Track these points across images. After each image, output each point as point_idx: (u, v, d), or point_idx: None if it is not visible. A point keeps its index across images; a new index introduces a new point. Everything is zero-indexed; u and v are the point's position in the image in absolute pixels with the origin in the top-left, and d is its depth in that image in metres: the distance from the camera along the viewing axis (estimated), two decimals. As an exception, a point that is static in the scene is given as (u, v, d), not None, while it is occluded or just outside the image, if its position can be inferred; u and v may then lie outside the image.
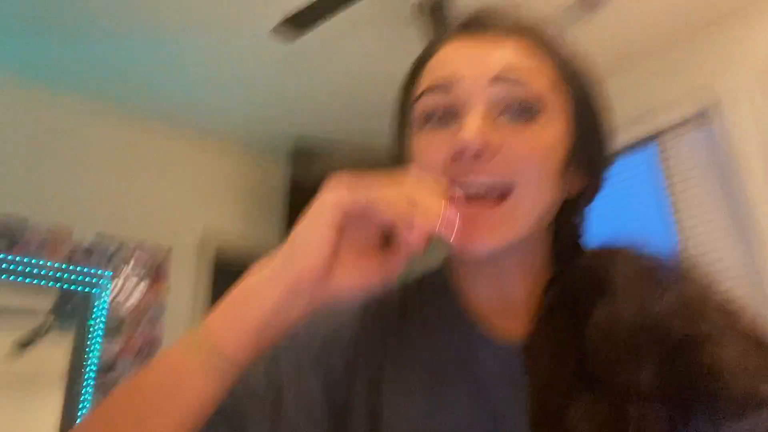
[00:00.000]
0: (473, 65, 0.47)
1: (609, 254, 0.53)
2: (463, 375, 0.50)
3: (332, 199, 0.42)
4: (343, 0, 1.92)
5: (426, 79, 0.50)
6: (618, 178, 2.50)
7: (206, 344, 0.42)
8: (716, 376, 0.39)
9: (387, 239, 0.45)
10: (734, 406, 0.39)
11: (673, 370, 0.41)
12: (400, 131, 0.56)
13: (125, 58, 2.44)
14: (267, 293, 0.42)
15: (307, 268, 0.42)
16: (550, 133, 0.48)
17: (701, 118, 2.36)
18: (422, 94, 0.49)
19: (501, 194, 0.46)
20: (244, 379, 0.50)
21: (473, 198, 0.46)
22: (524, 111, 0.47)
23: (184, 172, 2.99)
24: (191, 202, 2.96)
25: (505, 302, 0.53)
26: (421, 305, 0.58)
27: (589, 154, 0.52)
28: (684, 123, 2.41)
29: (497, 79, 0.46)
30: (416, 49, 0.58)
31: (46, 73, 2.51)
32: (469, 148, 0.44)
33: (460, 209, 0.43)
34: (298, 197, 2.99)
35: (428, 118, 0.49)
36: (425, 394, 0.50)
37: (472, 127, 0.44)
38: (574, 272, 0.52)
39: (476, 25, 0.51)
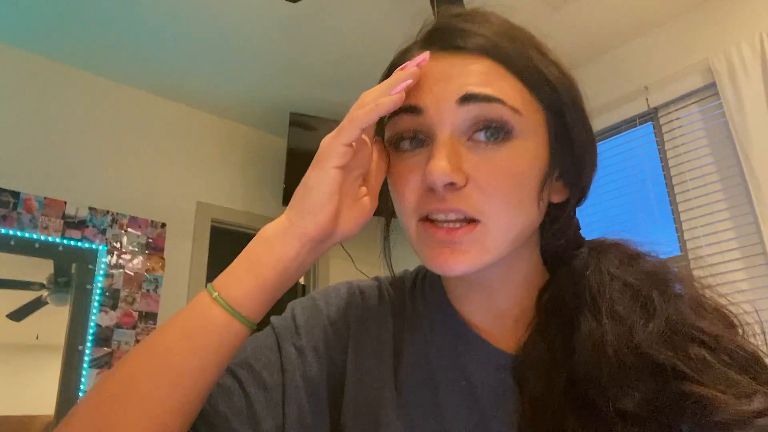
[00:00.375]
0: (440, 88, 0.47)
1: (600, 255, 0.53)
2: (456, 380, 0.51)
3: (328, 144, 0.46)
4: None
5: None
6: (617, 155, 2.51)
7: (222, 302, 0.44)
8: (702, 405, 0.40)
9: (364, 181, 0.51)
10: (720, 428, 0.40)
11: (659, 396, 0.42)
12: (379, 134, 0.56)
13: (118, 25, 2.38)
14: (281, 251, 0.46)
15: (319, 225, 0.46)
16: (523, 154, 0.46)
17: (700, 93, 2.32)
18: (392, 115, 0.49)
19: (473, 220, 0.46)
20: (250, 363, 0.52)
21: (446, 226, 0.47)
22: (494, 132, 0.46)
23: (180, 143, 2.95)
24: (187, 174, 2.93)
25: (495, 313, 0.54)
26: (419, 304, 0.58)
27: (570, 165, 0.51)
28: (683, 98, 2.37)
29: (464, 100, 0.46)
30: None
31: (41, 40, 2.45)
32: (437, 183, 0.44)
33: (434, 232, 0.46)
34: (296, 168, 2.96)
35: (400, 139, 0.49)
36: (417, 395, 0.51)
37: (439, 162, 0.44)
38: (565, 278, 0.52)
39: (443, 41, 0.49)
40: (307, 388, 0.51)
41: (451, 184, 0.45)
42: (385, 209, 0.57)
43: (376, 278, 0.63)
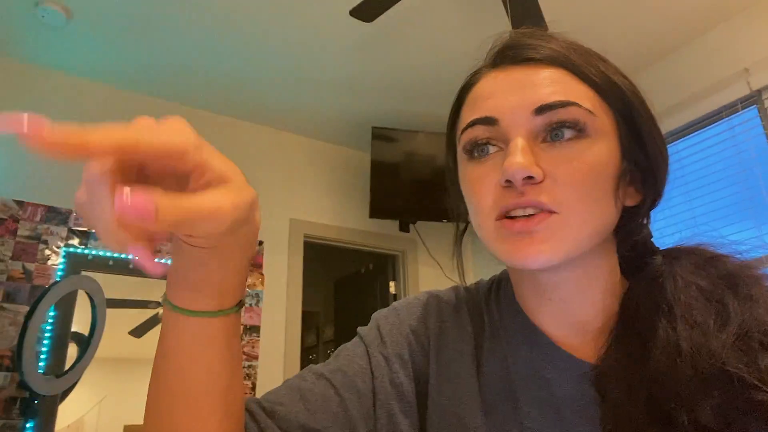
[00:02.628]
0: (514, 99, 0.49)
1: (674, 261, 0.52)
2: (536, 391, 0.51)
3: None
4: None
5: (469, 111, 0.52)
6: (719, 143, 2.34)
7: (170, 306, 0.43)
8: None
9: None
10: None
11: (732, 407, 0.41)
12: (450, 154, 0.58)
13: (212, 60, 2.57)
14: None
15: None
16: (595, 154, 0.47)
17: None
18: (467, 127, 0.51)
19: (551, 212, 0.47)
20: (344, 370, 0.54)
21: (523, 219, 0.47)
22: (566, 137, 0.47)
23: (272, 165, 3.12)
24: (280, 193, 3.09)
25: (572, 323, 0.53)
26: (495, 314, 0.58)
27: (641, 169, 0.52)
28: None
29: (538, 111, 0.47)
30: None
31: (137, 77, 2.70)
32: (516, 177, 0.45)
33: (511, 225, 0.46)
34: (380, 180, 3.03)
35: (475, 149, 0.51)
36: (499, 404, 0.51)
37: (517, 156, 0.45)
38: (641, 286, 0.52)
39: (513, 56, 0.51)
40: (396, 394, 0.53)
41: (530, 177, 0.45)
42: (457, 216, 0.59)
43: (455, 288, 0.64)
